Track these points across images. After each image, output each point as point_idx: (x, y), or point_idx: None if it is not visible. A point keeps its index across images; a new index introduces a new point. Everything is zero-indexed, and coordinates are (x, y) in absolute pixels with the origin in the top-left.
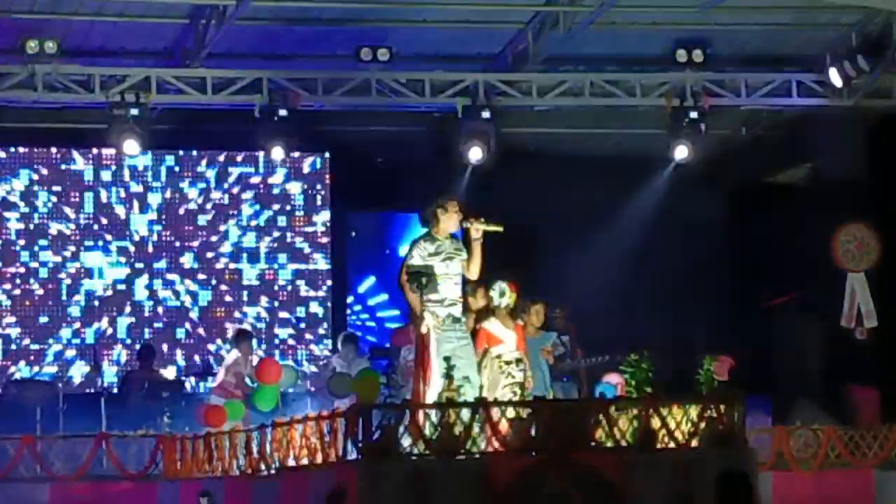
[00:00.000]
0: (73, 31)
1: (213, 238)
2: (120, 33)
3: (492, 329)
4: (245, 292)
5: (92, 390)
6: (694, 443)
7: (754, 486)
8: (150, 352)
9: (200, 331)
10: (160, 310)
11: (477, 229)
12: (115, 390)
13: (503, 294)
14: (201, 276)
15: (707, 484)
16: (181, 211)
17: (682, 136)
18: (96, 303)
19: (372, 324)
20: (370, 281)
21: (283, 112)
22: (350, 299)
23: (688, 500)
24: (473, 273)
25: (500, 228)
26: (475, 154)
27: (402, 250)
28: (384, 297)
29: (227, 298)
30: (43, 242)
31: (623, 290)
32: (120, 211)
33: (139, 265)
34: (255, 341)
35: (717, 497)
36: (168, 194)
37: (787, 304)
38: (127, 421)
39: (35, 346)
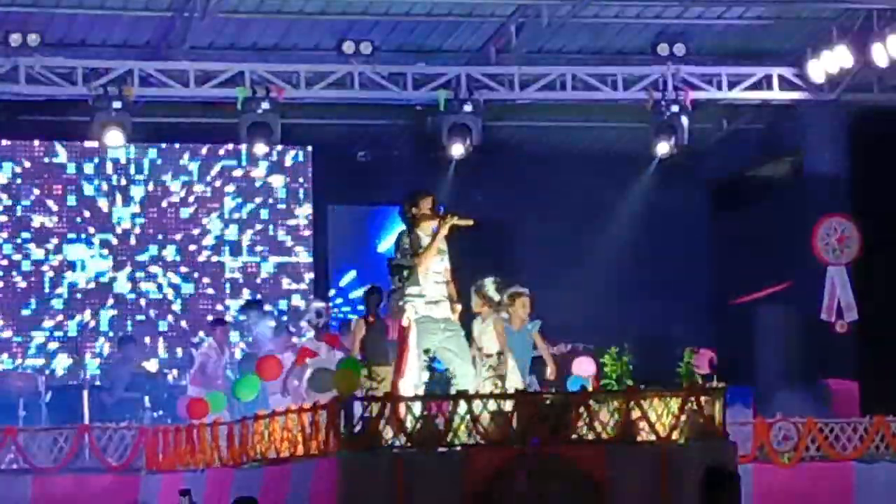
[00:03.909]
0: (55, 24)
1: (196, 231)
2: (102, 26)
3: (308, 345)
4: (227, 285)
5: (74, 382)
6: (675, 435)
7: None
8: (133, 344)
9: (183, 323)
10: (143, 302)
11: (445, 224)
12: (98, 382)
13: (320, 315)
14: (184, 269)
15: (688, 476)
16: (164, 204)
17: (664, 129)
18: (79, 295)
19: (354, 317)
20: (351, 275)
21: (265, 105)
22: (332, 292)
23: (668, 493)
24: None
25: (470, 222)
26: (457, 148)
27: (383, 245)
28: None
29: (210, 291)
30: (26, 235)
31: (604, 283)
32: (103, 204)
33: (122, 258)
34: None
35: (703, 496)
36: (150, 187)
37: (760, 300)
38: (109, 413)
39: (18, 339)
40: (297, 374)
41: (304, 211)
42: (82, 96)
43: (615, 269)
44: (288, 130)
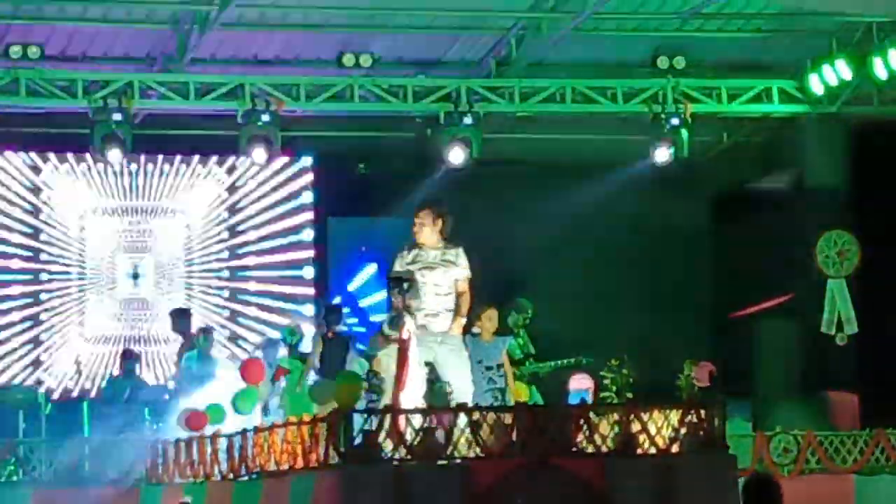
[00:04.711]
0: (56, 36)
1: (197, 242)
2: (103, 38)
3: (283, 365)
4: (227, 295)
5: (75, 395)
6: (675, 448)
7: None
8: (133, 357)
9: None
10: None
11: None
12: (98, 395)
13: (294, 333)
14: (184, 280)
15: (688, 489)
16: (164, 215)
17: (663, 142)
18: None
19: (362, 329)
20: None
21: (265, 117)
22: (337, 300)
23: None
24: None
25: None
26: (457, 160)
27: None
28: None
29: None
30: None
31: (604, 295)
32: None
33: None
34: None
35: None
36: (151, 199)
37: (760, 313)
38: (109, 425)
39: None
40: (274, 391)
41: (305, 223)
42: (83, 108)
43: (615, 281)
44: (288, 142)
